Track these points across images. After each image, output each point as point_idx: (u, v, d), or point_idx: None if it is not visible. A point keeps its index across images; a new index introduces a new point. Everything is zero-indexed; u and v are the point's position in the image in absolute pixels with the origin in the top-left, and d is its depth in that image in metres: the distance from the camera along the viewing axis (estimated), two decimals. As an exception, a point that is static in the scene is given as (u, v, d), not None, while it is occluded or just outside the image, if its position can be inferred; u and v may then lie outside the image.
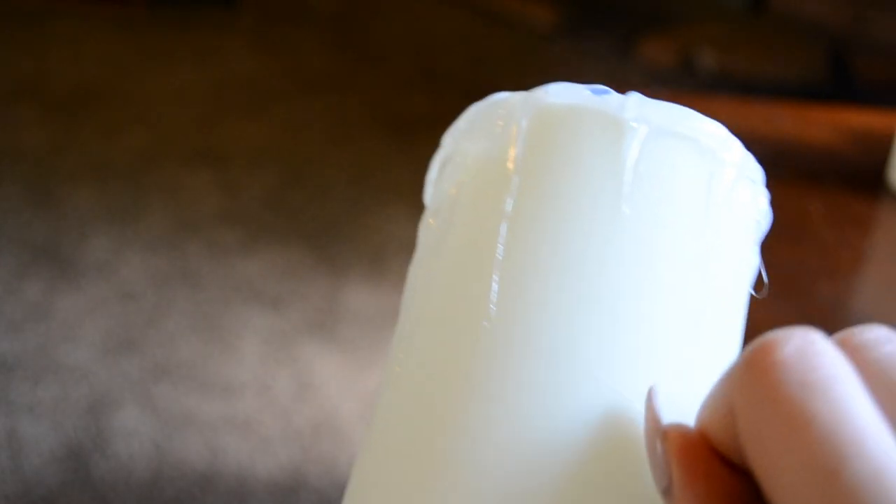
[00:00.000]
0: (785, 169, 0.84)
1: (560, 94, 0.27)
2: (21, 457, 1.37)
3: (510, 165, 0.26)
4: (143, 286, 1.77)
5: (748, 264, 0.28)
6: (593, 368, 0.23)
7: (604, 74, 2.59)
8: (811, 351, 0.19)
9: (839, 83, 2.42)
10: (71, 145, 2.23)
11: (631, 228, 0.25)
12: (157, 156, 2.23)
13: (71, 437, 1.41)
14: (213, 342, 1.64)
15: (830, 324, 0.65)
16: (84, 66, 2.63)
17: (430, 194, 0.30)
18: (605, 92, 0.27)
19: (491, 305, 0.24)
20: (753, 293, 0.28)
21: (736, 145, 0.27)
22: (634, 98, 0.27)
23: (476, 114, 0.29)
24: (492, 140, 0.27)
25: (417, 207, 0.33)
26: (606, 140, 0.26)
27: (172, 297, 1.74)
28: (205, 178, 2.15)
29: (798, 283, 0.68)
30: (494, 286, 0.24)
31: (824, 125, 0.96)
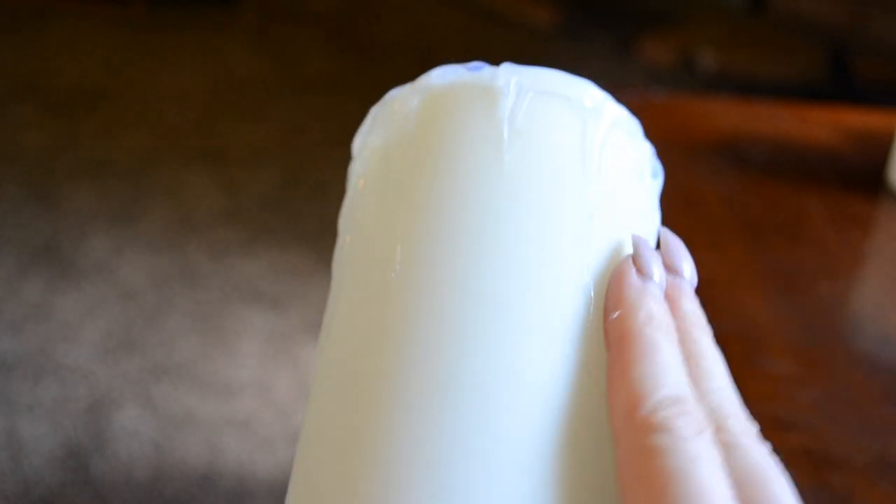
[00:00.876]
0: (785, 169, 0.84)
1: (441, 77, 0.30)
2: (21, 457, 1.37)
3: (404, 142, 0.29)
4: (143, 286, 1.77)
5: (647, 210, 0.30)
6: (489, 310, 0.25)
7: (604, 74, 2.59)
8: (683, 433, 0.22)
9: (839, 83, 2.42)
10: (71, 145, 2.23)
11: (515, 175, 0.27)
12: (157, 156, 2.23)
13: (71, 437, 1.42)
14: (213, 342, 1.64)
15: (830, 324, 0.65)
16: (84, 66, 2.63)
17: (346, 198, 0.33)
18: (480, 67, 0.30)
19: (396, 266, 0.26)
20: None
21: (608, 101, 0.30)
22: (505, 67, 0.30)
23: (374, 113, 0.32)
24: (388, 128, 0.31)
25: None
26: (483, 105, 0.29)
27: (172, 297, 1.74)
28: (205, 178, 2.15)
29: (798, 283, 0.68)
30: (398, 248, 0.27)
31: (824, 125, 0.96)
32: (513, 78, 0.29)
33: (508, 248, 0.26)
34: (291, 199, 2.10)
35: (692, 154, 0.84)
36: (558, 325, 0.25)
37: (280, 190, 2.13)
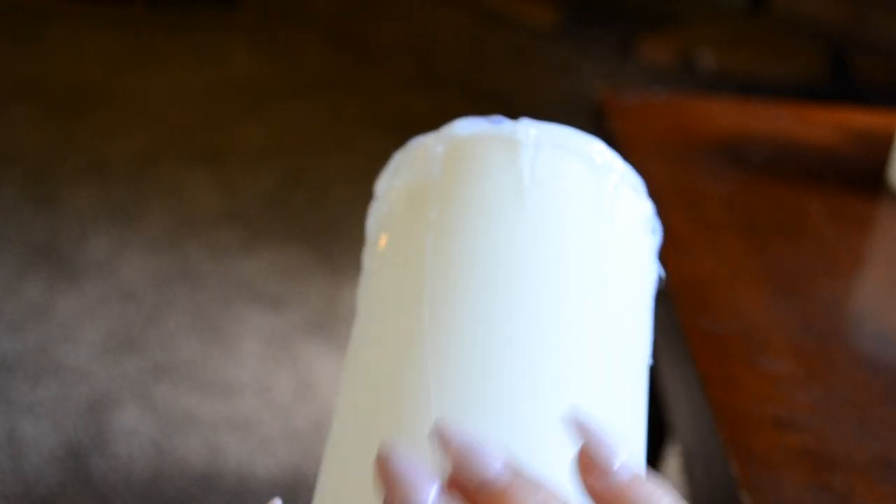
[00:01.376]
0: (785, 169, 0.84)
1: (465, 127, 0.33)
2: (21, 457, 1.37)
3: (431, 183, 0.32)
4: (143, 286, 1.77)
5: (647, 264, 0.32)
6: (508, 345, 0.26)
7: (604, 74, 2.59)
8: None
9: (839, 83, 2.42)
10: (71, 145, 2.23)
11: (535, 219, 0.29)
12: (157, 156, 2.23)
13: (71, 437, 1.42)
14: (213, 342, 1.64)
15: (830, 324, 0.65)
16: (84, 66, 2.63)
17: (368, 232, 0.35)
18: (501, 121, 0.33)
19: (425, 299, 0.28)
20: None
21: (615, 157, 0.32)
22: (524, 122, 0.32)
23: (400, 158, 0.34)
24: (414, 171, 0.33)
25: (417, 207, 0.34)
26: (505, 155, 0.31)
27: (172, 297, 1.74)
28: (205, 178, 2.15)
29: (798, 283, 0.68)
30: (427, 281, 0.28)
31: (824, 125, 0.96)
32: (531, 131, 0.32)
33: (528, 286, 0.27)
34: (291, 199, 2.10)
35: (692, 154, 0.84)
36: (576, 360, 0.26)
37: (280, 190, 2.13)
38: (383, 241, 0.32)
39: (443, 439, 0.23)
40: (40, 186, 2.06)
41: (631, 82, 2.51)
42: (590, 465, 0.24)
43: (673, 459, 1.20)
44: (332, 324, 1.71)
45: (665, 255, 0.35)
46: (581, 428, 0.24)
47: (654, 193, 0.36)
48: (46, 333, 1.62)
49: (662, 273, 0.33)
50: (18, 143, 2.23)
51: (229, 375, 1.57)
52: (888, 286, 0.72)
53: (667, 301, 0.63)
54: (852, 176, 0.86)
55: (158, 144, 2.28)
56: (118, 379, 1.54)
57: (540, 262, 0.28)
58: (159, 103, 2.47)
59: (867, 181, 0.85)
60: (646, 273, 0.32)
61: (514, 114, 0.38)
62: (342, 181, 2.18)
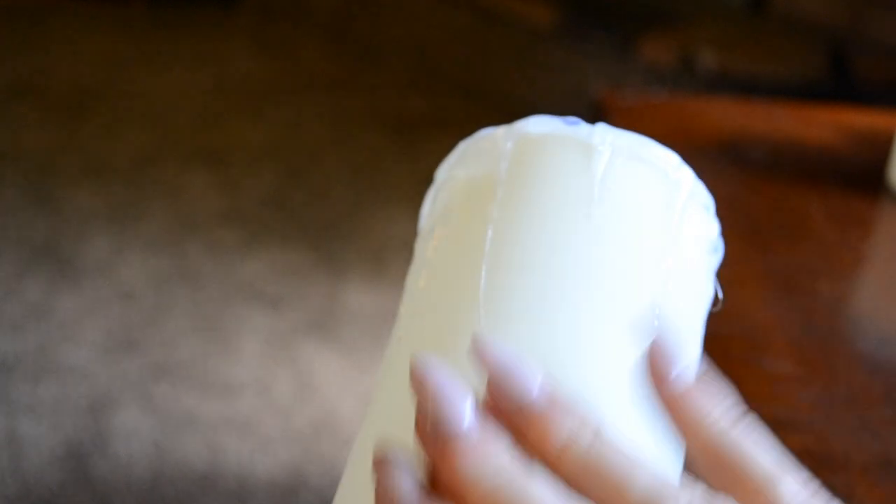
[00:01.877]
0: (785, 169, 0.84)
1: (538, 125, 0.31)
2: (21, 457, 1.37)
3: (496, 179, 0.31)
4: (143, 286, 1.77)
5: (704, 285, 0.31)
6: (556, 357, 0.26)
7: (604, 74, 2.59)
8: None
9: (839, 83, 2.42)
10: (71, 145, 2.24)
11: (600, 231, 0.28)
12: (157, 156, 2.23)
13: (71, 437, 1.42)
14: (213, 342, 1.64)
15: (830, 324, 0.65)
16: (84, 66, 2.63)
17: (424, 219, 0.34)
18: (577, 122, 0.31)
19: (480, 296, 0.27)
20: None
21: (688, 172, 0.31)
22: (601, 127, 0.31)
23: (465, 146, 0.33)
24: (480, 163, 0.32)
25: (417, 207, 0.34)
26: (577, 159, 0.30)
27: (172, 297, 1.74)
28: (205, 178, 2.15)
29: (798, 283, 0.68)
30: (483, 279, 0.28)
31: (824, 125, 0.96)
32: (608, 138, 0.31)
33: (587, 299, 0.27)
34: (291, 199, 2.10)
35: (692, 154, 0.84)
36: (626, 378, 0.26)
37: (280, 190, 2.13)
38: (440, 232, 0.31)
39: (481, 357, 0.23)
40: (40, 186, 2.06)
41: (631, 82, 2.51)
42: (656, 368, 0.24)
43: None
44: (332, 324, 1.71)
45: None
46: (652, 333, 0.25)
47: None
48: (46, 333, 1.62)
49: (720, 293, 0.32)
50: (18, 143, 2.23)
51: (229, 375, 1.57)
52: (888, 286, 0.72)
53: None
54: (852, 176, 0.86)
55: (158, 144, 2.28)
56: (118, 379, 1.54)
57: (598, 272, 0.27)
58: (159, 103, 2.47)
59: (867, 181, 0.85)
60: (703, 293, 0.31)
61: (514, 114, 0.38)
62: (342, 181, 2.18)
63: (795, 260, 0.71)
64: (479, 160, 0.32)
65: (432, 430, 0.22)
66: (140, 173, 2.15)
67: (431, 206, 0.33)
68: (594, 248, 0.28)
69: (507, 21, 2.91)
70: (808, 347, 0.61)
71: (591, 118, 0.32)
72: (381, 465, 0.23)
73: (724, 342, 0.60)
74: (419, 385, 0.23)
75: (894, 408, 0.56)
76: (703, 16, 2.82)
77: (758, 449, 0.25)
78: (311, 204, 2.09)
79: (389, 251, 1.93)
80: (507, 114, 0.34)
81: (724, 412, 0.25)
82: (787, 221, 0.76)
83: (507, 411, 0.23)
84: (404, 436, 0.24)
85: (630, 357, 0.26)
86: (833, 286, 0.69)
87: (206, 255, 1.88)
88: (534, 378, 0.23)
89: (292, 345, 1.65)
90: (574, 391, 0.25)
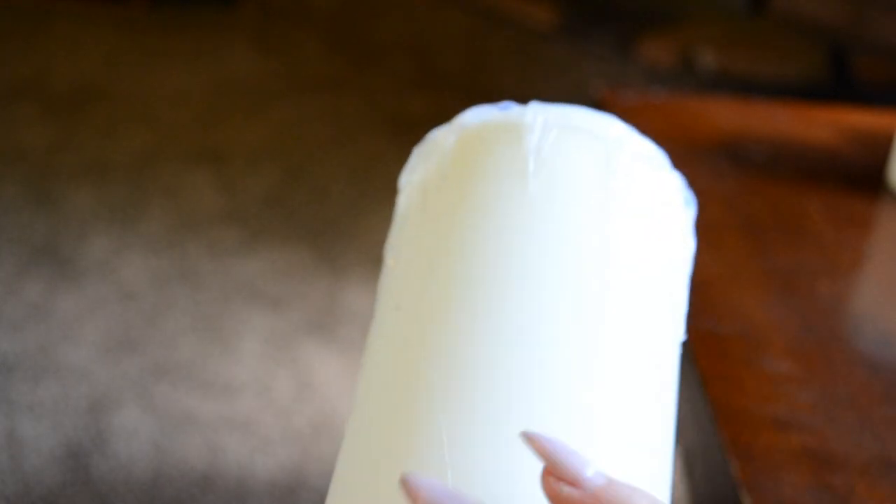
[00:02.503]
0: (785, 169, 0.84)
1: (474, 116, 0.33)
2: (21, 457, 1.37)
3: (441, 176, 0.32)
4: (143, 286, 1.77)
5: (669, 239, 0.31)
6: (506, 327, 0.26)
7: (604, 74, 2.59)
8: None
9: (839, 83, 2.42)
10: (71, 145, 2.23)
11: (539, 201, 0.29)
12: (157, 156, 2.23)
13: (71, 437, 1.42)
14: (213, 342, 1.64)
15: (830, 324, 0.65)
16: (84, 66, 2.63)
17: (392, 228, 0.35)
18: (509, 107, 0.32)
19: (433, 286, 0.28)
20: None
21: (632, 134, 0.31)
22: (533, 105, 0.32)
23: (417, 152, 0.34)
24: (427, 165, 0.33)
25: (417, 207, 0.34)
26: (511, 140, 0.31)
27: (172, 297, 1.74)
28: (205, 178, 2.15)
29: (798, 283, 0.68)
30: (435, 269, 0.29)
31: (824, 125, 0.96)
32: (539, 115, 0.31)
33: (534, 266, 0.27)
34: (291, 199, 2.10)
35: (692, 154, 0.84)
36: (579, 337, 0.26)
37: (280, 190, 2.13)
38: (398, 234, 0.33)
39: (532, 440, 0.24)
40: (40, 186, 2.06)
41: (631, 82, 2.51)
42: (563, 474, 0.24)
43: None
44: (332, 324, 1.71)
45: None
46: (544, 442, 0.25)
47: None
48: (46, 333, 1.62)
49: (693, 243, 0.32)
50: (18, 143, 2.23)
51: (229, 375, 1.57)
52: (888, 286, 0.72)
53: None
54: (852, 176, 0.86)
55: (158, 144, 2.28)
56: (118, 379, 1.54)
57: (539, 244, 0.28)
58: (159, 103, 2.47)
59: (867, 181, 0.85)
60: (670, 246, 0.30)
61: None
62: (342, 181, 2.18)
63: (795, 260, 0.71)
64: (427, 161, 0.33)
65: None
66: (140, 173, 2.15)
67: (396, 212, 0.34)
68: (533, 220, 0.28)
69: (507, 21, 2.91)
70: (808, 347, 0.61)
71: (592, 118, 0.32)
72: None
73: (724, 342, 0.60)
74: (546, 450, 0.24)
75: (894, 408, 0.56)
76: (703, 16, 2.82)
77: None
78: (311, 204, 2.09)
79: (389, 251, 1.93)
80: (508, 114, 0.35)
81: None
82: (787, 221, 0.76)
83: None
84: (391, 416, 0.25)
85: (579, 330, 0.26)
86: (833, 286, 0.69)
87: (206, 255, 1.88)
88: (589, 461, 0.25)
89: (292, 345, 1.65)
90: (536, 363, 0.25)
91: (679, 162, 0.84)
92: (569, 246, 0.27)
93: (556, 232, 0.27)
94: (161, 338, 1.64)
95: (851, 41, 2.51)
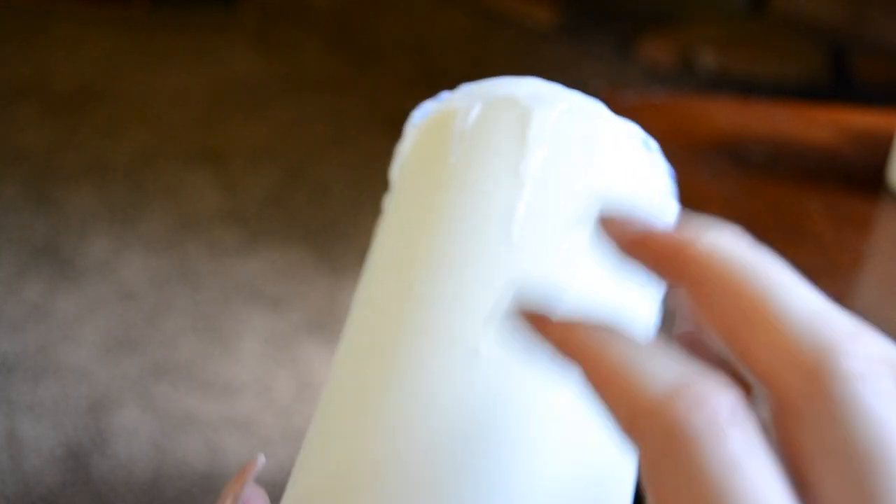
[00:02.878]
0: (785, 169, 0.84)
1: (419, 115, 0.33)
2: (21, 457, 1.37)
3: (393, 185, 0.33)
4: (143, 286, 1.77)
5: (633, 185, 0.30)
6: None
7: (604, 74, 2.59)
8: (728, 422, 0.16)
9: (839, 83, 2.42)
10: (71, 145, 2.23)
11: (458, 171, 0.29)
12: (157, 156, 2.23)
13: (71, 437, 1.42)
14: (213, 342, 1.64)
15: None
16: (84, 66, 2.63)
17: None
18: (442, 96, 0.33)
19: (378, 275, 0.29)
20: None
21: (561, 91, 0.31)
22: (462, 88, 0.32)
23: (396, 148, 0.35)
24: (396, 165, 0.34)
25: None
26: (440, 126, 0.31)
27: (172, 297, 1.74)
28: (205, 178, 2.15)
29: (798, 283, 0.68)
30: (382, 262, 0.30)
31: (824, 125, 0.96)
32: (465, 96, 0.32)
33: (449, 231, 0.28)
34: (291, 199, 2.10)
35: (692, 154, 0.84)
36: (489, 294, 0.26)
37: (280, 190, 2.13)
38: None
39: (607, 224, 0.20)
40: (40, 186, 2.06)
41: (631, 82, 2.51)
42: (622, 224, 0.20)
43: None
44: (332, 324, 1.71)
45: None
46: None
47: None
48: (46, 333, 1.62)
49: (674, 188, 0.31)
50: (18, 143, 2.23)
51: (229, 375, 1.57)
52: (888, 286, 0.72)
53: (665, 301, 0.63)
54: (852, 176, 0.86)
55: (158, 144, 2.28)
56: (118, 379, 1.54)
57: (456, 212, 0.28)
58: (159, 103, 2.47)
59: (867, 181, 0.85)
60: (631, 190, 0.29)
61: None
62: (342, 181, 2.18)
63: (795, 260, 0.71)
64: (397, 161, 0.34)
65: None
66: (140, 173, 2.15)
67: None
68: (451, 190, 0.28)
69: (507, 21, 2.91)
70: (808, 347, 0.61)
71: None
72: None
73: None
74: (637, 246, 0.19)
75: (894, 408, 0.56)
76: (702, 16, 2.82)
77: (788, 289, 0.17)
78: (312, 203, 2.09)
79: (389, 251, 1.93)
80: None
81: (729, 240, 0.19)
82: (787, 221, 0.76)
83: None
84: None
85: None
86: (833, 286, 0.69)
87: (206, 255, 1.88)
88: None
89: (292, 345, 1.65)
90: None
91: (679, 162, 0.84)
92: (477, 201, 0.28)
93: (468, 192, 0.28)
94: (161, 338, 1.64)
95: (851, 41, 2.51)
